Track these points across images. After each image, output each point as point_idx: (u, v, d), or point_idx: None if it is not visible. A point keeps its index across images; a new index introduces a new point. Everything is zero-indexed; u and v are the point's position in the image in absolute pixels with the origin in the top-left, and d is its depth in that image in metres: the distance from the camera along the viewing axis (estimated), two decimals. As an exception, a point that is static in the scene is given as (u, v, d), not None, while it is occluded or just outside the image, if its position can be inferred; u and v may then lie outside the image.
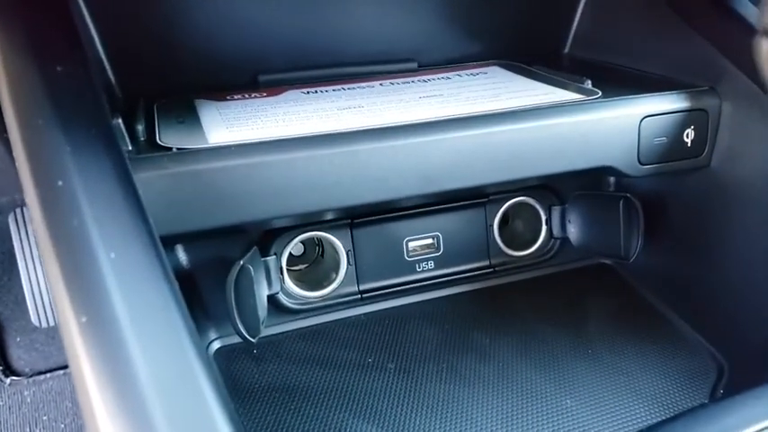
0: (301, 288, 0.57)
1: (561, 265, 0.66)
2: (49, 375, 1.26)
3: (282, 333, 0.57)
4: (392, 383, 0.51)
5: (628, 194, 0.58)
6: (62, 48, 0.39)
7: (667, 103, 0.52)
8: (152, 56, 0.58)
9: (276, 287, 0.55)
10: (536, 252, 0.64)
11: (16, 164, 0.35)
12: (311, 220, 0.56)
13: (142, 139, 0.45)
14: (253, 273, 0.48)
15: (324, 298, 0.58)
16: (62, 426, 1.23)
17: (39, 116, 0.33)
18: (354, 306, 0.60)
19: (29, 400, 1.25)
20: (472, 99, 0.54)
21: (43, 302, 1.25)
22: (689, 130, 0.53)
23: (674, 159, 0.54)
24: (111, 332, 0.26)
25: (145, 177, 0.40)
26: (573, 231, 0.63)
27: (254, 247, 0.52)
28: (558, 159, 0.50)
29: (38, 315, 1.25)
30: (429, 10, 0.65)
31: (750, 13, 0.54)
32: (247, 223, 0.44)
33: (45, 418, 1.23)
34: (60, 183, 0.30)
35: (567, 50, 0.71)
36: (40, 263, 1.15)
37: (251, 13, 0.59)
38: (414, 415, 0.48)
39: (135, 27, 0.57)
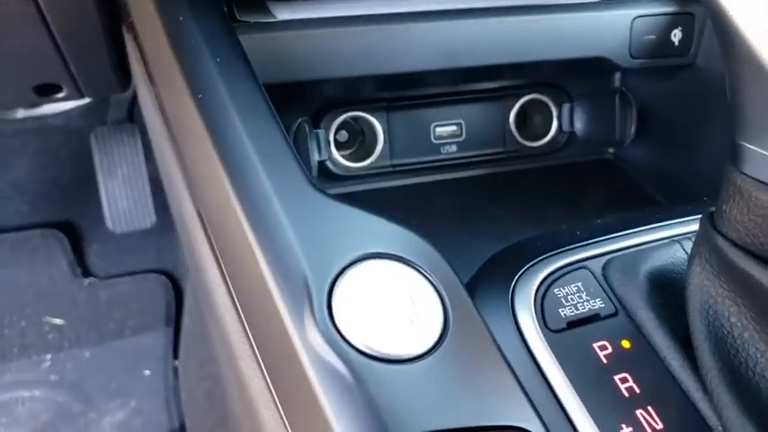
0: (345, 159, 0.70)
1: (569, 157, 0.76)
2: (118, 280, 1.44)
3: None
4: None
5: (623, 89, 0.67)
6: None
7: (658, 7, 0.62)
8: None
9: (324, 155, 0.67)
10: (547, 144, 0.75)
11: (141, 21, 0.47)
12: (356, 99, 0.68)
13: None
14: (308, 131, 0.61)
15: (363, 168, 0.70)
16: (131, 322, 1.41)
17: None
18: (388, 178, 0.71)
19: (103, 299, 1.43)
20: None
21: (118, 211, 1.42)
22: (676, 31, 0.63)
23: (663, 56, 0.63)
24: (221, 103, 0.38)
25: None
26: (579, 126, 0.73)
27: (307, 117, 0.64)
28: (560, 47, 0.60)
29: (113, 222, 1.43)
30: None
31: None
32: (303, 82, 0.56)
33: (116, 315, 1.41)
34: (181, 18, 0.43)
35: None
36: (120, 173, 1.31)
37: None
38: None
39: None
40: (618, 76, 0.73)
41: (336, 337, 0.31)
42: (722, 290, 0.34)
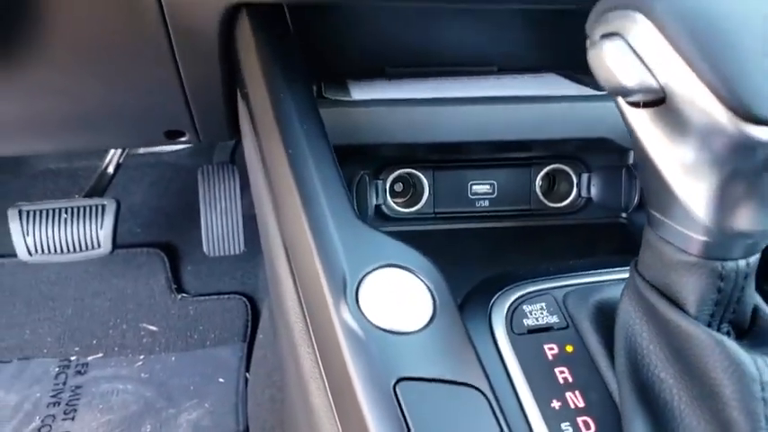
0: (397, 205, 0.87)
1: (586, 218, 0.90)
2: (206, 298, 1.65)
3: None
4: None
5: (630, 165, 0.82)
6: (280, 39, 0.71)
7: (657, 100, 0.76)
8: (318, 56, 0.91)
9: (381, 200, 0.85)
10: (568, 206, 0.89)
11: (250, 86, 0.67)
12: (409, 159, 0.85)
13: (314, 94, 0.77)
14: (368, 181, 0.79)
15: (410, 213, 0.87)
16: (212, 335, 1.61)
17: (270, 74, 0.65)
18: (430, 223, 0.88)
19: (191, 313, 1.65)
20: (525, 89, 0.81)
21: (214, 238, 1.65)
22: (672, 121, 0.76)
23: (661, 140, 0.77)
24: (303, 157, 0.57)
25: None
26: (595, 193, 0.87)
27: (369, 171, 0.82)
28: (572, 128, 0.76)
29: (208, 247, 1.66)
30: (512, 31, 0.92)
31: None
32: (368, 145, 0.74)
33: (201, 327, 1.62)
34: (281, 95, 0.62)
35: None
36: (219, 206, 1.54)
37: (383, 28, 0.90)
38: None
39: (310, 33, 0.90)
40: (631, 153, 0.87)
41: (360, 316, 0.47)
42: (638, 314, 0.48)
